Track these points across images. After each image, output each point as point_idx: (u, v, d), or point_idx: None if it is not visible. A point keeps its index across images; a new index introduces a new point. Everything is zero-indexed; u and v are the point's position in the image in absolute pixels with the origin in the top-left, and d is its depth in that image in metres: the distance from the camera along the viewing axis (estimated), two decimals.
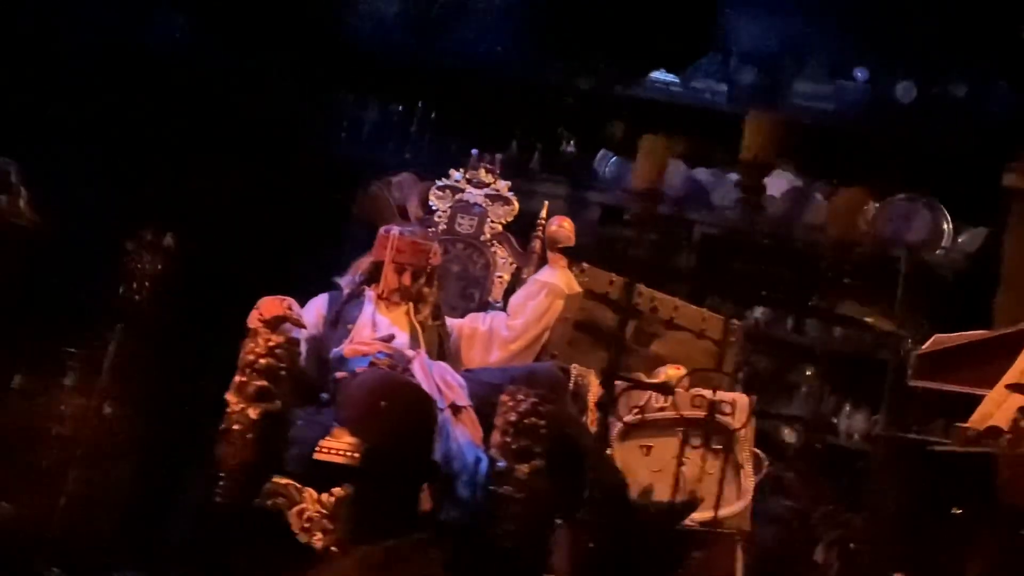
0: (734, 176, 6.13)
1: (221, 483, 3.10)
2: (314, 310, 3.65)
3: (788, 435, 5.71)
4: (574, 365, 3.96)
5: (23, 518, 4.02)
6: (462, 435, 3.26)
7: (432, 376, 3.38)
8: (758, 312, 6.00)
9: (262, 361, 3.20)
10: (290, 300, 3.35)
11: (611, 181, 6.24)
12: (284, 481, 3.18)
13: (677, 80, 6.21)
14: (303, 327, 3.36)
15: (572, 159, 6.19)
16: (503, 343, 3.66)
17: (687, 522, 3.56)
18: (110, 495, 4.29)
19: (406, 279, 3.68)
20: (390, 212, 4.05)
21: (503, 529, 3.07)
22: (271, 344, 3.22)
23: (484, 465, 3.21)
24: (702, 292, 6.02)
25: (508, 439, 3.17)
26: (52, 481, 4.37)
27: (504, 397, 3.23)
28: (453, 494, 3.14)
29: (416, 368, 3.40)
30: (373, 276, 3.73)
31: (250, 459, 3.12)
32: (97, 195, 4.46)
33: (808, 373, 5.97)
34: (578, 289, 3.76)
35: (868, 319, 4.19)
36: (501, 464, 3.15)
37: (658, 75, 6.21)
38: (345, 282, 3.75)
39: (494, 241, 4.09)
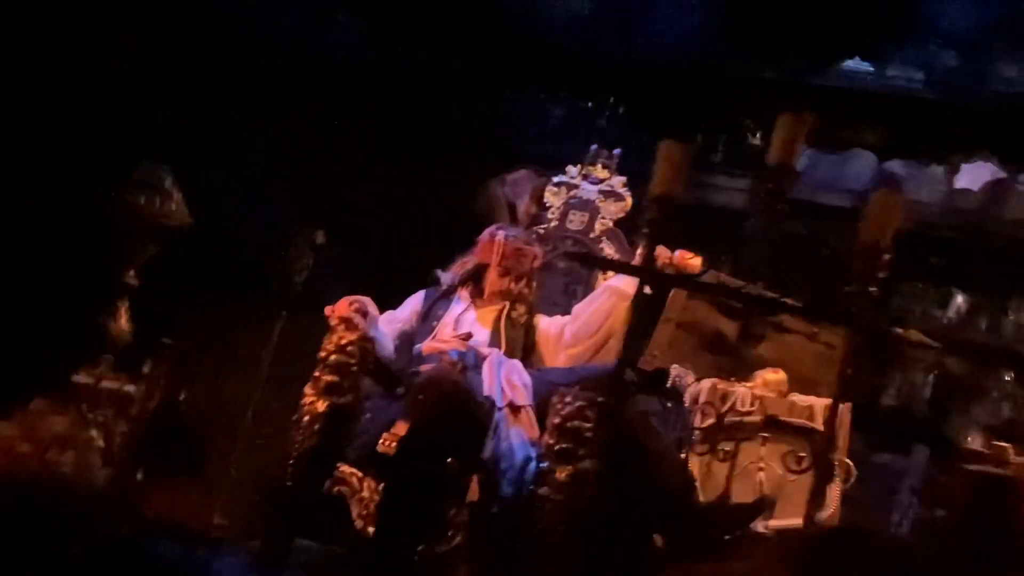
0: (933, 167, 5.86)
1: (290, 469, 3.35)
2: (410, 306, 3.84)
3: (972, 442, 5.38)
4: (674, 366, 3.95)
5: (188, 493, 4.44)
6: (516, 435, 3.34)
7: (497, 375, 3.48)
8: (951, 311, 5.68)
9: (333, 358, 3.42)
10: (363, 300, 3.53)
11: (803, 175, 6.08)
12: (349, 470, 3.39)
13: (871, 68, 5.95)
14: (363, 330, 3.50)
15: (758, 151, 6.06)
16: (564, 347, 3.70)
17: (762, 529, 3.49)
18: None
19: (510, 282, 3.78)
20: (501, 210, 4.15)
21: (539, 529, 3.14)
22: (343, 342, 3.44)
23: (534, 465, 3.29)
24: (891, 291, 5.77)
25: (552, 441, 3.23)
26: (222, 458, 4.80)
27: (555, 399, 3.29)
28: (498, 491, 3.24)
29: (485, 367, 3.51)
30: (474, 276, 3.86)
31: (316, 448, 3.34)
32: (258, 193, 4.83)
33: (1006, 378, 5.59)
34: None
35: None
36: (543, 465, 3.22)
37: (851, 64, 5.97)
38: (446, 277, 3.90)
39: (603, 238, 4.12)
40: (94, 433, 4.27)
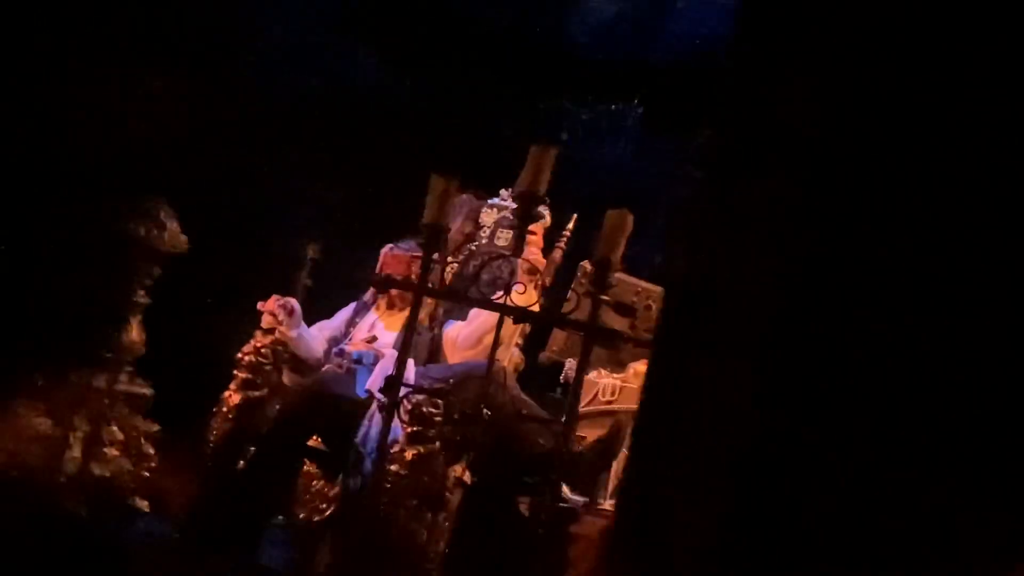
0: None
1: (209, 451, 4.14)
2: (342, 316, 4.58)
3: None
4: (568, 360, 4.52)
5: None
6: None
7: (385, 371, 4.13)
8: None
9: (247, 358, 4.21)
10: (290, 300, 4.30)
11: None
12: None
13: None
14: (283, 330, 4.25)
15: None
16: (459, 349, 4.32)
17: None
18: None
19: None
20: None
21: (386, 502, 3.79)
22: (258, 345, 4.22)
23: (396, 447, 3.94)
24: None
25: (406, 424, 3.87)
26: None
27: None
28: (361, 468, 3.91)
29: (377, 366, 4.18)
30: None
31: (230, 433, 4.12)
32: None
33: None
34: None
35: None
36: (397, 447, 3.87)
37: None
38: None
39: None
40: (114, 428, 5.21)
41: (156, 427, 5.29)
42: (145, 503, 5.11)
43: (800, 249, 2.78)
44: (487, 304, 3.83)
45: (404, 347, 3.53)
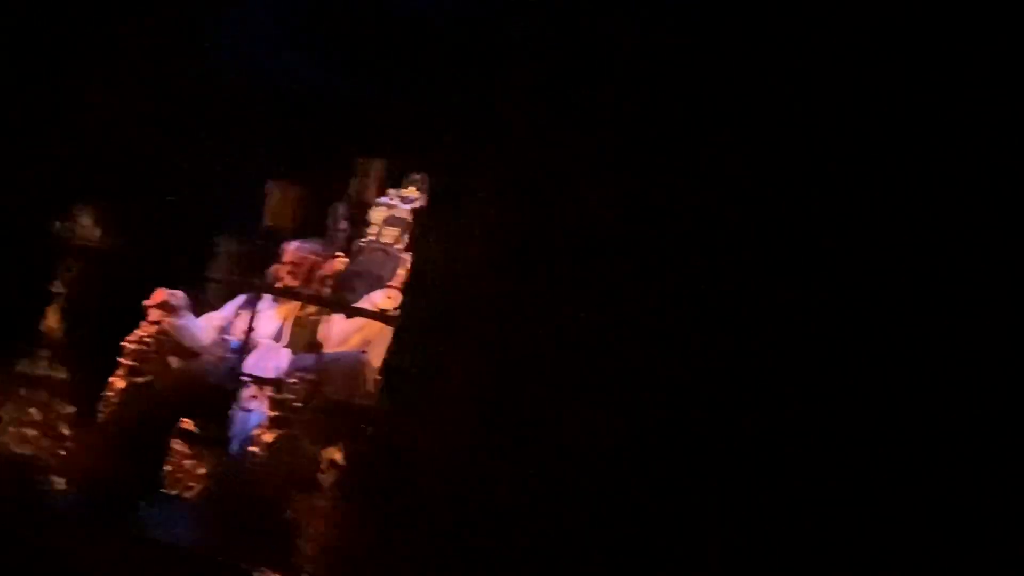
0: None
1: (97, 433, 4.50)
2: (232, 306, 4.92)
3: None
4: None
5: None
6: (256, 405, 4.35)
7: (260, 359, 4.48)
8: None
9: (131, 346, 4.55)
10: (177, 293, 4.63)
11: None
12: None
13: None
14: (168, 322, 4.60)
15: None
16: (333, 345, 4.65)
17: None
18: None
19: (294, 283, 4.79)
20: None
21: (246, 482, 4.13)
22: (141, 334, 4.55)
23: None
24: None
25: (268, 410, 4.22)
26: None
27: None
28: (229, 450, 4.26)
29: (255, 352, 4.53)
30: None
31: (117, 415, 4.47)
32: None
33: None
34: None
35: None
36: (259, 430, 4.22)
37: None
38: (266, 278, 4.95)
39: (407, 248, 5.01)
40: (32, 411, 5.56)
41: (72, 409, 5.65)
42: (62, 481, 5.49)
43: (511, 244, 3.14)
44: (311, 299, 4.18)
45: (244, 341, 3.87)
